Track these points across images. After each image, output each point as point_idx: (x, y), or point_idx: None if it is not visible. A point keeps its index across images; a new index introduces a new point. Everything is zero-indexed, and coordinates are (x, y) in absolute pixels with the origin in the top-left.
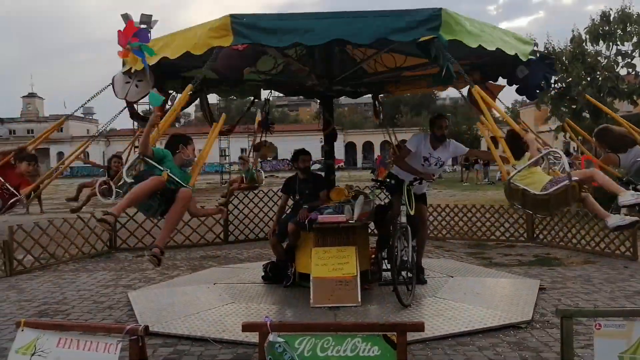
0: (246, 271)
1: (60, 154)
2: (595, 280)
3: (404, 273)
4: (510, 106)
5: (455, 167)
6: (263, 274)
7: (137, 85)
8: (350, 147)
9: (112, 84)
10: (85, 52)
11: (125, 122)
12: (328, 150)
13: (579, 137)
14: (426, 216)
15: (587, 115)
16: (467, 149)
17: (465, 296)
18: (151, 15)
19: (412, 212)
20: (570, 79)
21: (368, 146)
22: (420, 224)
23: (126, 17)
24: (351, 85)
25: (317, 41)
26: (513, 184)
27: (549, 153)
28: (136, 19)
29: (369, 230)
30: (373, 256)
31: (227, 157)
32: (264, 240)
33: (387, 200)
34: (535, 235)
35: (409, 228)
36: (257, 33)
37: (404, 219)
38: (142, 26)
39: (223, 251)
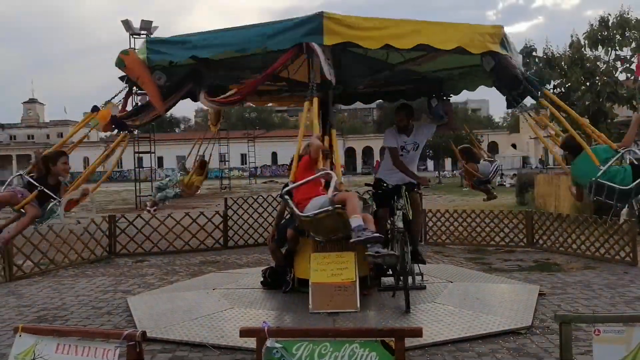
0: (245, 277)
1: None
2: (595, 285)
3: (403, 278)
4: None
5: (455, 172)
6: (262, 279)
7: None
8: (350, 153)
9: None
10: (86, 58)
11: None
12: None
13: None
14: (419, 203)
15: (587, 120)
16: (435, 126)
17: (464, 302)
18: (151, 22)
19: (410, 217)
20: (569, 84)
21: (368, 151)
22: (415, 212)
23: (126, 23)
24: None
25: (209, 54)
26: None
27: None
28: (136, 24)
29: None
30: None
31: (227, 163)
32: (263, 245)
33: None
34: (535, 240)
35: (406, 233)
36: None
37: (400, 224)
38: (142, 32)
39: (222, 256)
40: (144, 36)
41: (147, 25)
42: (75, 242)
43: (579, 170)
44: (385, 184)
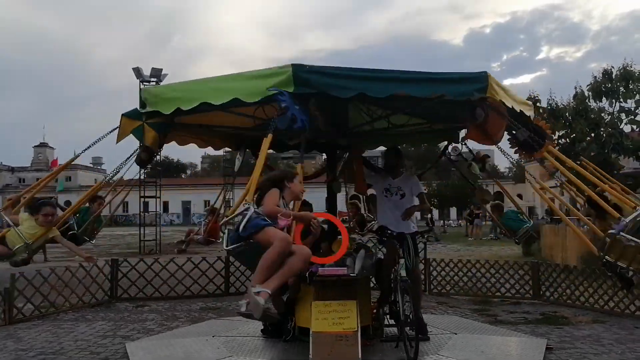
0: (245, 324)
1: (67, 203)
2: (605, 340)
3: (407, 329)
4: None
5: (460, 221)
6: (262, 327)
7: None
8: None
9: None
10: (97, 104)
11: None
12: (329, 202)
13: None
14: (419, 271)
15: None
16: (423, 190)
17: (469, 354)
18: (161, 69)
19: (412, 266)
20: (574, 134)
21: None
22: (415, 280)
23: (137, 70)
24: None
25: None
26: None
27: None
28: (146, 72)
29: (371, 285)
30: (374, 311)
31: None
32: None
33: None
34: (541, 292)
35: (409, 282)
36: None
37: (403, 273)
38: (153, 79)
39: (224, 303)
40: (154, 83)
41: (157, 73)
42: (77, 286)
43: None
44: (389, 231)
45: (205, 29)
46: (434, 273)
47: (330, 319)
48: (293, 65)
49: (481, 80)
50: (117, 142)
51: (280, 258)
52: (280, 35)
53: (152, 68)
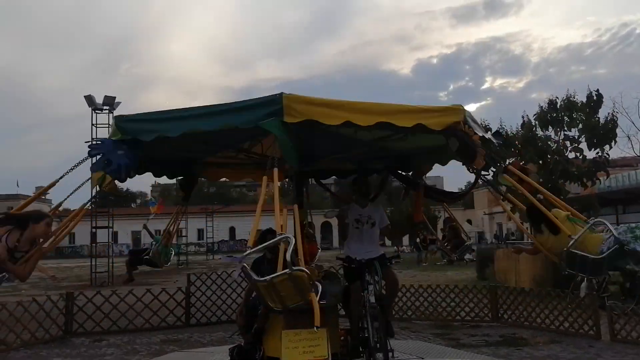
0: (211, 355)
1: None
2: (564, 359)
3: (378, 355)
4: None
5: (412, 247)
6: (229, 358)
7: None
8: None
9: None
10: (39, 132)
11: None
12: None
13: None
14: (394, 276)
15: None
16: (387, 223)
17: None
18: (114, 97)
19: (383, 290)
20: (523, 162)
21: (327, 226)
22: (392, 284)
23: (89, 99)
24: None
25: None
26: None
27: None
28: (99, 100)
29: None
30: (342, 338)
31: (184, 238)
32: (227, 323)
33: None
34: (500, 314)
35: (378, 308)
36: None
37: (372, 299)
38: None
39: (185, 334)
40: (106, 111)
41: (109, 101)
42: (29, 321)
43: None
44: (357, 259)
45: (155, 58)
46: (395, 299)
47: (301, 347)
48: (115, 117)
49: (275, 103)
50: (92, 189)
51: None
52: (232, 64)
53: (105, 96)
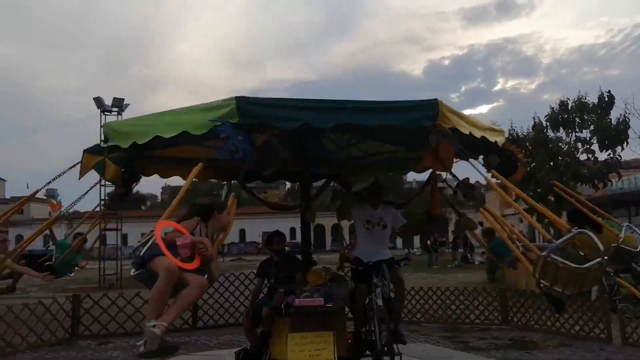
0: (218, 358)
1: (19, 237)
2: None
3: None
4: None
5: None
6: None
7: None
8: (319, 230)
9: None
10: (47, 133)
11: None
12: (304, 232)
13: (545, 220)
14: (402, 279)
15: (552, 199)
16: (404, 222)
17: None
18: (123, 99)
19: (392, 294)
20: (534, 163)
21: (336, 228)
22: (397, 284)
23: (98, 100)
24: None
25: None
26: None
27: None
28: (108, 102)
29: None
30: (350, 341)
31: None
32: (234, 326)
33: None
34: (509, 317)
35: (386, 311)
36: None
37: (380, 302)
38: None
39: (191, 337)
40: (115, 113)
41: (118, 103)
42: (35, 324)
43: None
44: (365, 262)
45: (165, 59)
46: (404, 301)
47: (307, 350)
48: (237, 97)
49: (432, 107)
50: (79, 178)
51: (167, 289)
52: (242, 66)
53: (114, 98)
